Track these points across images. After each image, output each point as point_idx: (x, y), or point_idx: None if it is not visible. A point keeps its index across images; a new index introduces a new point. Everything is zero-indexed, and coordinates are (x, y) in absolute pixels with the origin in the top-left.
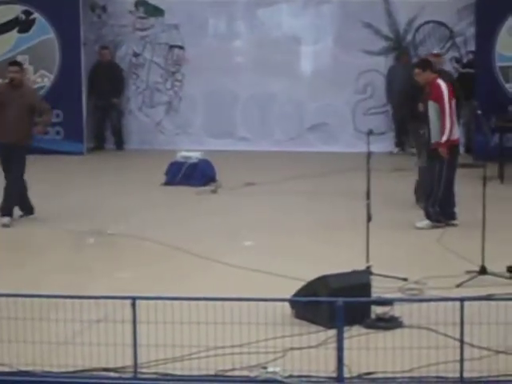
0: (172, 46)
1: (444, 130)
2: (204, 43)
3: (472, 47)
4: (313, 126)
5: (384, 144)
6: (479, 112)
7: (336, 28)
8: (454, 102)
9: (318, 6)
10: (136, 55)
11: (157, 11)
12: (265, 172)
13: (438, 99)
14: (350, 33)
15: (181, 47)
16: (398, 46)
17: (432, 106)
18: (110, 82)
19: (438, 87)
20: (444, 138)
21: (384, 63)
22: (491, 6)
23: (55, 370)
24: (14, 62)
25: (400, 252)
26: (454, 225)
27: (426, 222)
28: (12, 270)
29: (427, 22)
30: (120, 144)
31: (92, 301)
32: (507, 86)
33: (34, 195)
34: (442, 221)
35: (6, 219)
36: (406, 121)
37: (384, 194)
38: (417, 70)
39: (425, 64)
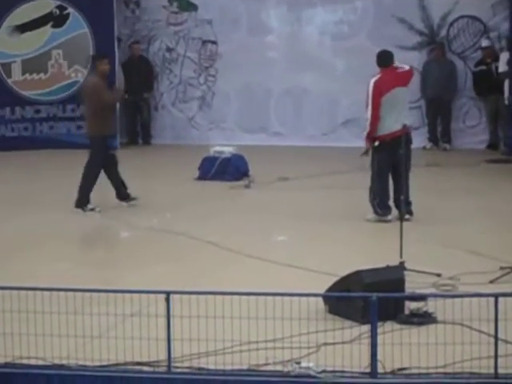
0: (205, 41)
1: (367, 124)
2: (237, 38)
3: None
4: (346, 120)
5: (417, 139)
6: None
7: (369, 23)
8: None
9: (352, 1)
10: (169, 50)
11: (190, 6)
12: (298, 167)
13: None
14: (383, 28)
15: (214, 42)
16: (432, 41)
17: None
18: (140, 76)
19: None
20: (364, 132)
21: (418, 58)
22: None
23: (89, 363)
24: (106, 55)
25: (433, 247)
26: (387, 221)
27: (371, 216)
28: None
29: (461, 17)
30: (147, 139)
31: (126, 295)
32: None
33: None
34: (381, 213)
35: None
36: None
37: (419, 188)
38: None
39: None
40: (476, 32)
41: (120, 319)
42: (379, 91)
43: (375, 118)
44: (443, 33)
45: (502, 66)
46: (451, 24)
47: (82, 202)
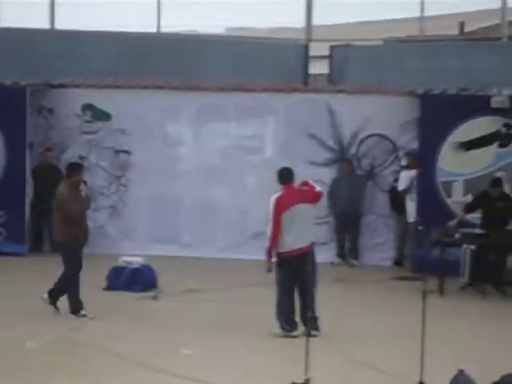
0: (118, 151)
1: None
2: (150, 149)
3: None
4: (256, 233)
5: (325, 254)
6: (420, 227)
7: (281, 138)
8: (298, 209)
9: (264, 116)
10: (82, 158)
11: (104, 115)
12: (207, 279)
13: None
14: (294, 143)
15: (127, 152)
16: (342, 158)
17: None
18: (49, 184)
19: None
20: (267, 245)
21: (328, 174)
22: (434, 121)
23: None
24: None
25: (340, 364)
26: (293, 336)
27: (278, 331)
28: None
29: (371, 135)
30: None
31: None
32: (448, 200)
33: None
34: (287, 329)
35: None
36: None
37: (326, 303)
38: None
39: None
40: (385, 150)
41: None
42: (280, 208)
43: (275, 234)
44: (353, 150)
45: (401, 184)
46: (361, 141)
47: (74, 308)
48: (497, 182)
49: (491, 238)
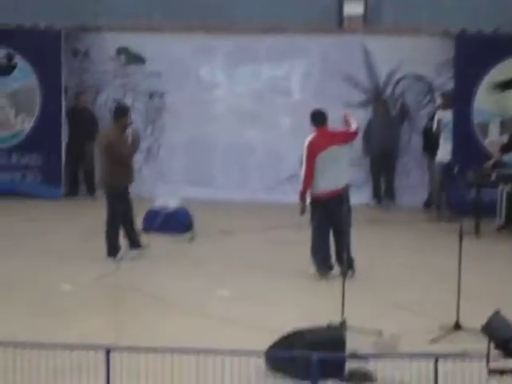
0: (152, 94)
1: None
2: (184, 91)
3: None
4: (290, 176)
5: (361, 196)
6: (456, 168)
7: (315, 80)
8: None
9: (298, 57)
10: (116, 102)
11: (138, 59)
12: (241, 221)
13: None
14: (329, 85)
15: (161, 95)
16: (377, 99)
17: None
18: (84, 127)
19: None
20: (300, 188)
21: (363, 115)
22: (470, 61)
23: None
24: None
25: (375, 305)
26: (328, 277)
27: (313, 272)
28: None
29: (407, 76)
30: (92, 191)
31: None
32: (484, 141)
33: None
34: (323, 270)
35: None
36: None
37: (361, 245)
38: None
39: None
40: (421, 91)
41: (59, 375)
42: (313, 150)
43: (309, 177)
44: (388, 91)
45: (435, 125)
46: (396, 82)
47: (111, 251)
48: None
49: None
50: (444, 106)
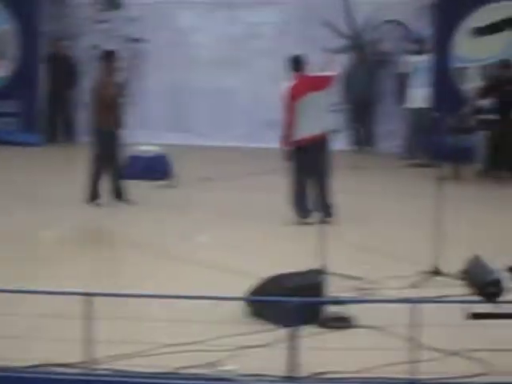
0: (131, 39)
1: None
2: (163, 37)
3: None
4: (271, 121)
5: (341, 142)
6: (436, 114)
7: (295, 25)
8: (311, 97)
9: (278, 3)
10: (95, 48)
11: (116, 4)
12: (222, 168)
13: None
14: (308, 30)
15: (140, 40)
16: (357, 45)
17: None
18: (63, 73)
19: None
20: (280, 134)
21: (343, 61)
22: (449, 6)
23: (9, 364)
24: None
25: (355, 251)
26: (307, 223)
27: (292, 217)
28: None
29: (386, 22)
30: (70, 137)
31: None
32: (462, 87)
33: None
34: (302, 216)
35: None
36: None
37: (340, 190)
38: None
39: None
40: (399, 36)
41: (41, 320)
42: (293, 96)
43: (289, 123)
44: (367, 36)
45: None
46: (375, 27)
47: (91, 197)
48: (506, 65)
49: (505, 123)
50: (419, 52)
